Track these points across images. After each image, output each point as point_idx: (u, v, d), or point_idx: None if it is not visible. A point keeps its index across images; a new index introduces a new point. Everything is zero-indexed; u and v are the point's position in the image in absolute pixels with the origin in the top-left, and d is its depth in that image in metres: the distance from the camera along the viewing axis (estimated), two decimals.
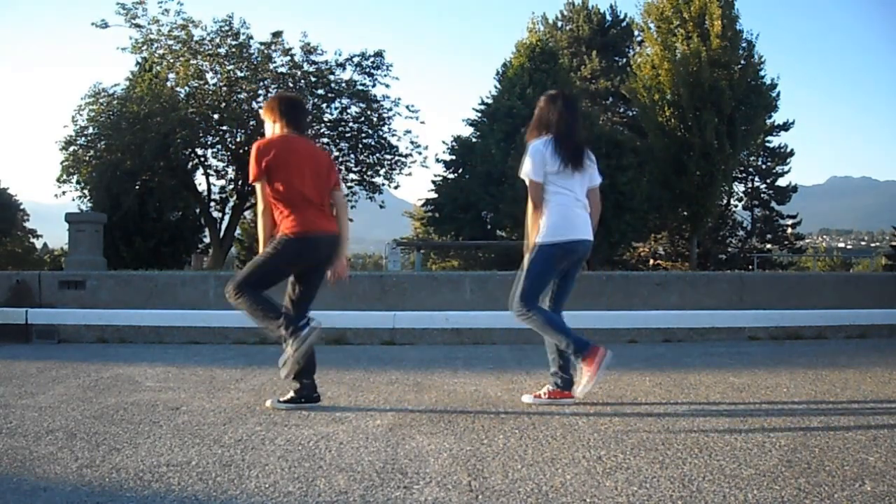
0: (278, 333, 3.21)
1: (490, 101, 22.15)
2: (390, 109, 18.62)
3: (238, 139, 17.75)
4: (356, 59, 17.96)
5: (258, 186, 3.25)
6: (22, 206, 32.89)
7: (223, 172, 19.31)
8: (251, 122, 17.12)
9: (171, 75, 17.16)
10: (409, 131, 21.42)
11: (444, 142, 22.45)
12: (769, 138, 28.73)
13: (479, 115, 22.16)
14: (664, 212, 22.34)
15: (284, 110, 3.34)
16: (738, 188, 29.75)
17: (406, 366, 4.68)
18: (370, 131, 18.75)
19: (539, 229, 3.27)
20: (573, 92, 3.26)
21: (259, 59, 16.81)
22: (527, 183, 3.30)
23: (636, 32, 26.43)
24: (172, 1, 17.78)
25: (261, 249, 3.29)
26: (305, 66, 17.35)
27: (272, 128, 3.36)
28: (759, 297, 6.34)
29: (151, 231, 18.61)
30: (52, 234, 32.19)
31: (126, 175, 16.79)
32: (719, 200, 24.23)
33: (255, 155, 3.19)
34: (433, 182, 22.36)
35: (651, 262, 28.55)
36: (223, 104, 16.82)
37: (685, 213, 22.35)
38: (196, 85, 16.89)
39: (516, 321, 3.34)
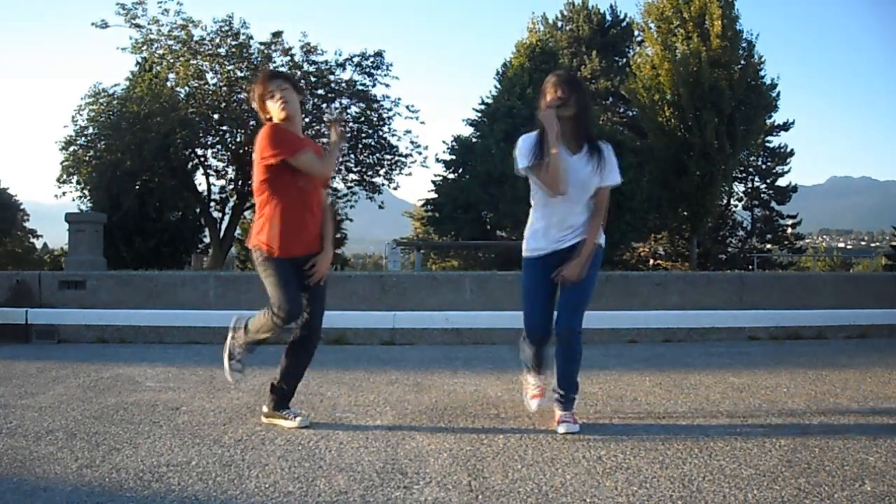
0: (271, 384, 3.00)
1: (490, 101, 22.14)
2: (390, 109, 18.64)
3: (238, 139, 17.75)
4: (356, 59, 17.96)
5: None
6: (22, 206, 32.86)
7: (223, 172, 19.31)
8: (251, 122, 17.11)
9: (171, 75, 17.16)
10: (409, 131, 21.42)
11: (444, 142, 22.45)
12: (769, 138, 28.73)
13: (479, 115, 22.15)
14: (664, 212, 22.33)
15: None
16: (738, 188, 29.79)
17: (406, 366, 4.67)
18: (370, 131, 18.75)
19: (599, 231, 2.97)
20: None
21: (259, 59, 16.81)
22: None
23: (636, 32, 26.45)
24: (172, 1, 17.79)
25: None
26: (305, 66, 17.34)
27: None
28: (759, 297, 6.33)
29: (151, 231, 18.60)
30: (52, 234, 32.16)
31: (126, 175, 16.80)
32: (719, 200, 24.24)
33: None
34: (433, 182, 22.37)
35: (651, 262, 28.53)
36: (223, 104, 16.82)
37: (685, 213, 22.34)
38: (196, 85, 16.89)
39: (569, 340, 2.91)
